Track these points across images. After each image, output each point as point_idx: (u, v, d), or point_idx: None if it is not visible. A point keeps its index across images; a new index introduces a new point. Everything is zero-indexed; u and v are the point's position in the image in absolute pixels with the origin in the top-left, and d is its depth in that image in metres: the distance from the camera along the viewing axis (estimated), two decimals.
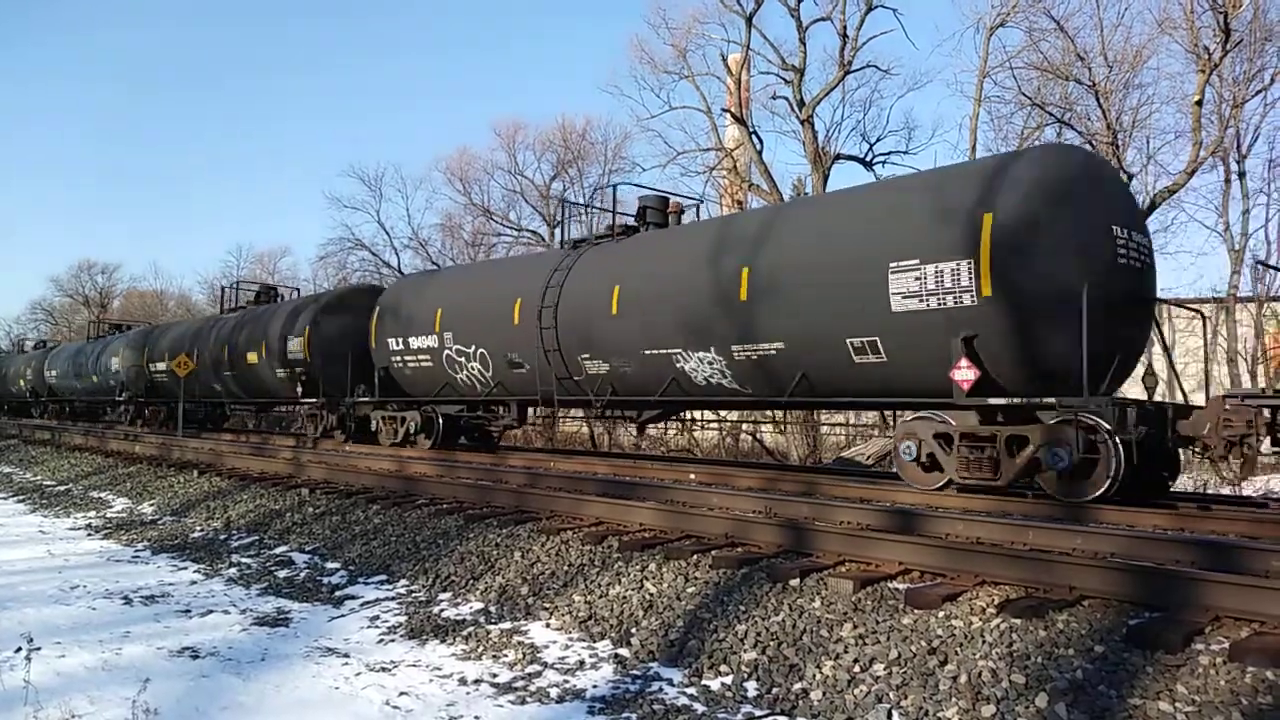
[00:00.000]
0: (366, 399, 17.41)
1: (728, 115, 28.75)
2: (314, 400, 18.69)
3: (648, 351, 11.99)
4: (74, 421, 31.36)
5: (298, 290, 25.23)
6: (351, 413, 17.80)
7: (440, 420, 16.07)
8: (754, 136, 27.44)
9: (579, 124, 40.33)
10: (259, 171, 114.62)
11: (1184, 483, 18.41)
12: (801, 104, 26.35)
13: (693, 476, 11.50)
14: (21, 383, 38.37)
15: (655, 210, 14.09)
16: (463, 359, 15.19)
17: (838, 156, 27.49)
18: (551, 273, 13.64)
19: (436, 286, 16.80)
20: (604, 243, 13.90)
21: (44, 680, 4.59)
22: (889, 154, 28.01)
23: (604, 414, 13.83)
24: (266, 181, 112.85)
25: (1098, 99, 21.49)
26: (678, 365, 11.71)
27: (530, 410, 17.09)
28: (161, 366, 24.95)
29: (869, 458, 19.95)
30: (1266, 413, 7.98)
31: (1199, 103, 19.83)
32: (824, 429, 23.36)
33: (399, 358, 16.54)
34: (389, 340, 16.71)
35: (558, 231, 38.31)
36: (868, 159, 27.61)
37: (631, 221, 14.25)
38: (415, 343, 16.07)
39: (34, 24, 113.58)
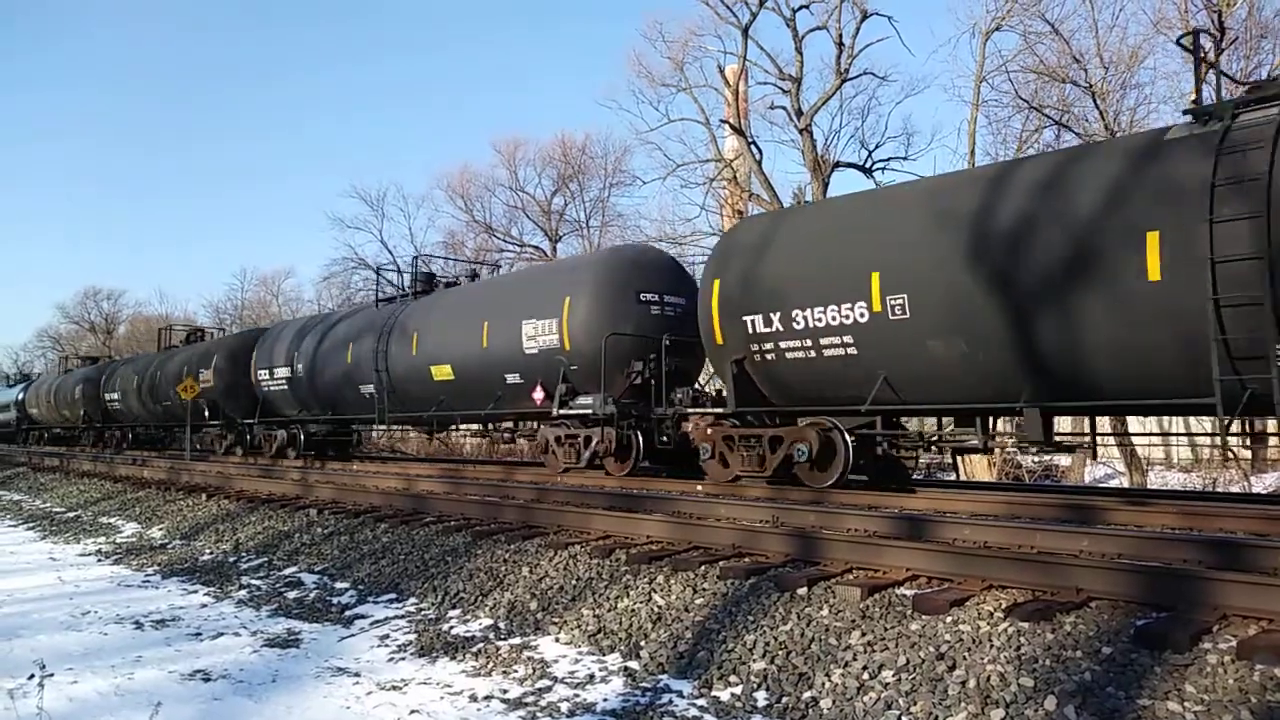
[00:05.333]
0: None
1: (726, 126, 28.83)
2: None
3: None
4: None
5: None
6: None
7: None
8: (753, 147, 27.52)
9: (579, 139, 40.52)
10: (261, 194, 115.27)
11: (1193, 480, 18.36)
12: (799, 113, 26.43)
13: (699, 488, 11.50)
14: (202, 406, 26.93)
15: None
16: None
17: (837, 164, 27.55)
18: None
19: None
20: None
21: (58, 707, 4.61)
22: (888, 160, 28.05)
23: None
24: (269, 204, 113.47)
25: (1095, 100, 21.54)
26: None
27: None
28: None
29: None
30: None
31: (1196, 102, 19.82)
32: None
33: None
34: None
35: (560, 246, 38.48)
36: (867, 166, 27.68)
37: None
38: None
39: (33, 37, 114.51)
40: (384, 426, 20.50)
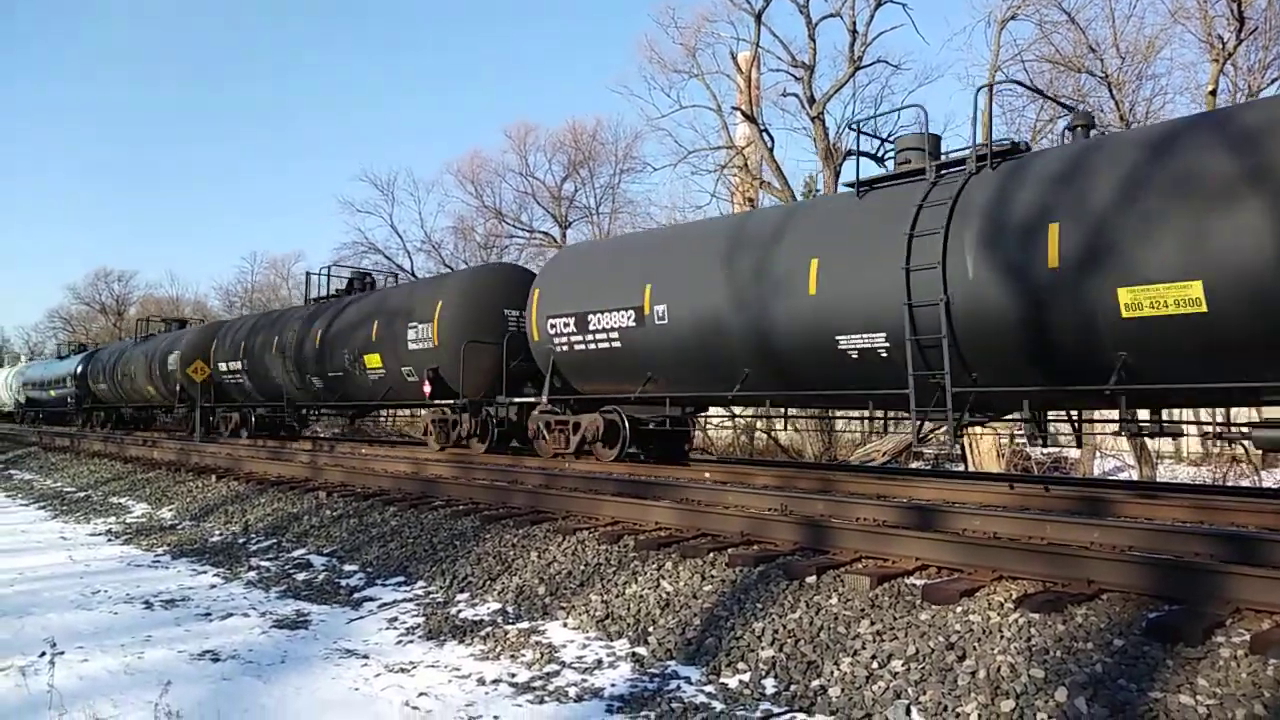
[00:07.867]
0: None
1: (738, 113, 28.72)
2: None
3: None
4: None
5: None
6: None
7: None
8: (765, 134, 27.42)
9: (589, 125, 40.41)
10: (271, 177, 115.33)
11: (1202, 474, 18.31)
12: (812, 100, 26.29)
13: (708, 475, 11.49)
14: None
15: None
16: None
17: (849, 152, 27.39)
18: None
19: None
20: None
21: (68, 685, 4.64)
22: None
23: None
24: (279, 187, 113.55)
25: (1111, 90, 21.38)
26: None
27: None
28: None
29: (884, 454, 19.92)
30: None
31: (1213, 93, 19.66)
32: (838, 425, 23.28)
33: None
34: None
35: (569, 232, 38.40)
36: (880, 154, 27.51)
37: None
38: None
39: (42, 24, 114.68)
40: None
